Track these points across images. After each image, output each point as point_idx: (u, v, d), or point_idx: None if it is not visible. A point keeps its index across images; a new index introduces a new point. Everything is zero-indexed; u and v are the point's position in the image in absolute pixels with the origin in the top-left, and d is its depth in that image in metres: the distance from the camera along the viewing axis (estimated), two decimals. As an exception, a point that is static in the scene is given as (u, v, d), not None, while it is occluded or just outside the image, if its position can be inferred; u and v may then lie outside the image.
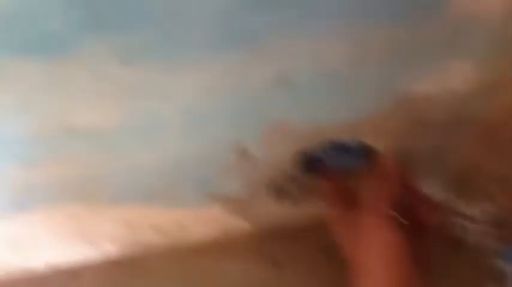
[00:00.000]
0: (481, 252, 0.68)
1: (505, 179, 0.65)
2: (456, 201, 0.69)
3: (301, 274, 0.73)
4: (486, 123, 0.65)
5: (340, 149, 0.66)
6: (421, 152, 0.67)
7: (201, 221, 0.72)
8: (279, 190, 0.70)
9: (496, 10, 0.54)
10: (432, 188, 0.69)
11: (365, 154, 0.66)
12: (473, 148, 0.66)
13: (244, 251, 0.74)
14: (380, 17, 0.54)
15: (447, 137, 0.65)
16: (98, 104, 0.53)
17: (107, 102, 0.53)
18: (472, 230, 0.69)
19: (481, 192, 0.67)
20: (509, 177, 0.64)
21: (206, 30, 0.50)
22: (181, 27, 0.49)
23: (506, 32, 0.56)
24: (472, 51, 0.58)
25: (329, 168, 0.66)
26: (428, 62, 0.59)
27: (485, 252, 0.68)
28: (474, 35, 0.56)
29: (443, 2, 0.53)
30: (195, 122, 0.59)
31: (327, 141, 0.65)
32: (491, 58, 0.59)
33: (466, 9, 0.54)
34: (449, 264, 0.69)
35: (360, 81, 0.59)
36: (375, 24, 0.54)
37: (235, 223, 0.73)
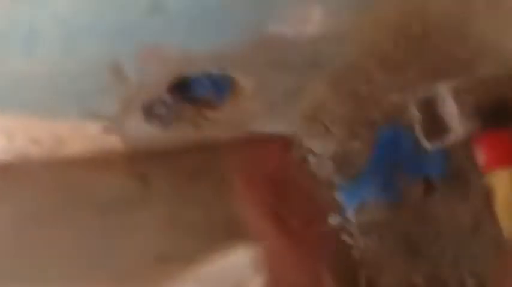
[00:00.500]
0: (323, 184, 0.78)
1: (344, 119, 0.74)
2: (302, 136, 0.78)
3: (166, 193, 0.80)
4: (334, 68, 0.74)
5: (207, 79, 0.73)
6: (278, 90, 0.75)
7: (77, 136, 0.77)
8: (151, 111, 0.76)
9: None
10: (284, 124, 0.78)
11: (228, 85, 0.73)
12: (322, 89, 0.75)
13: (116, 167, 0.80)
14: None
15: (301, 78, 0.74)
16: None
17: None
18: (313, 163, 0.78)
19: (323, 129, 0.76)
20: (348, 117, 0.74)
21: None
22: None
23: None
24: (326, 2, 0.67)
25: (197, 95, 0.74)
26: (288, 6, 0.67)
27: (327, 185, 0.78)
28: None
29: None
30: (72, 35, 0.63)
31: (198, 71, 0.73)
32: (343, 8, 0.68)
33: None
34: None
35: (228, 15, 0.66)
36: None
37: (110, 141, 0.78)
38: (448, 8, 0.61)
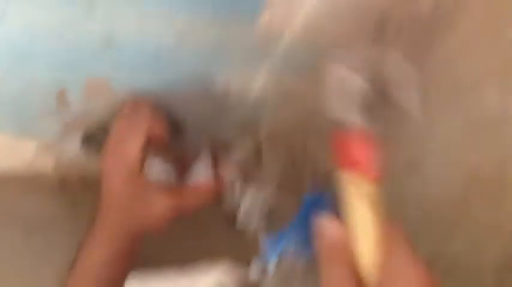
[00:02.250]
0: (250, 233, 0.80)
1: (277, 174, 0.77)
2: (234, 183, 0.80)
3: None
4: (273, 128, 0.77)
5: None
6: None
7: (10, 154, 0.77)
8: (90, 140, 0.77)
9: (293, 33, 0.67)
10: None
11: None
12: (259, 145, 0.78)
13: (47, 189, 0.80)
14: (201, 11, 0.63)
15: (241, 129, 0.76)
16: None
17: None
18: (244, 209, 0.80)
19: (256, 180, 0.79)
20: (281, 173, 0.77)
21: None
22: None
23: (297, 52, 0.68)
24: (271, 64, 0.70)
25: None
26: (235, 64, 0.70)
27: (254, 234, 0.80)
28: (275, 50, 0.68)
29: (254, 15, 0.64)
30: (21, 58, 0.63)
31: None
32: (286, 73, 0.72)
33: (272, 27, 0.65)
34: (221, 237, 0.81)
35: (177, 60, 0.68)
36: (197, 16, 0.63)
37: (43, 162, 0.78)
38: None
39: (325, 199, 0.71)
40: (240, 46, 0.67)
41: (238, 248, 0.83)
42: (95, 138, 0.77)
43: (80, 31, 0.62)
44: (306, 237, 0.76)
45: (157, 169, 0.67)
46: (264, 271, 0.80)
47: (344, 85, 0.50)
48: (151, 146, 0.67)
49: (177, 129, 0.75)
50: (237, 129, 0.76)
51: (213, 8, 0.63)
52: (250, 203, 0.80)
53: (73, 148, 0.77)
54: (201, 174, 0.70)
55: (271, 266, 0.79)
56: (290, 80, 0.72)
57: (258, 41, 0.66)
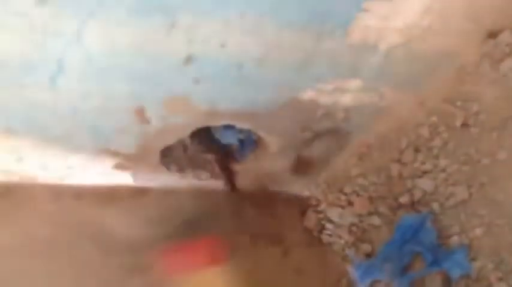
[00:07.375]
0: (335, 253, 0.75)
1: (365, 191, 0.72)
2: (322, 202, 0.75)
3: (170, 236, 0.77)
4: (364, 140, 0.71)
5: (232, 132, 0.71)
6: (307, 151, 0.72)
7: (88, 169, 0.75)
8: (169, 154, 0.74)
9: (384, 44, 0.61)
10: (305, 186, 0.75)
11: (253, 141, 0.71)
12: (347, 159, 0.72)
13: (125, 206, 0.77)
14: (290, 21, 0.58)
15: (329, 145, 0.71)
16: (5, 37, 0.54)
17: (15, 36, 0.55)
18: (329, 231, 0.75)
19: (344, 199, 0.74)
20: (372, 193, 0.71)
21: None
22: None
23: (389, 64, 0.63)
24: (363, 76, 0.65)
25: (221, 146, 0.72)
26: (327, 77, 0.65)
27: (340, 255, 0.75)
28: (366, 62, 0.63)
29: (344, 28, 0.59)
30: (100, 75, 0.61)
31: (224, 123, 0.70)
32: (383, 85, 0.66)
33: (363, 39, 0.60)
34: (304, 259, 0.76)
35: (261, 78, 0.64)
36: (285, 27, 0.59)
37: (120, 178, 0.76)
38: (492, 105, 0.59)
39: (426, 222, 0.65)
40: (330, 58, 0.62)
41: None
42: (175, 153, 0.74)
43: (160, 48, 0.59)
44: (401, 265, 0.70)
45: None
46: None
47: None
48: None
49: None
50: (324, 142, 0.71)
51: (302, 18, 0.58)
52: (338, 220, 0.75)
53: (152, 163, 0.74)
54: None
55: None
56: (386, 94, 0.66)
57: (350, 52, 0.61)
